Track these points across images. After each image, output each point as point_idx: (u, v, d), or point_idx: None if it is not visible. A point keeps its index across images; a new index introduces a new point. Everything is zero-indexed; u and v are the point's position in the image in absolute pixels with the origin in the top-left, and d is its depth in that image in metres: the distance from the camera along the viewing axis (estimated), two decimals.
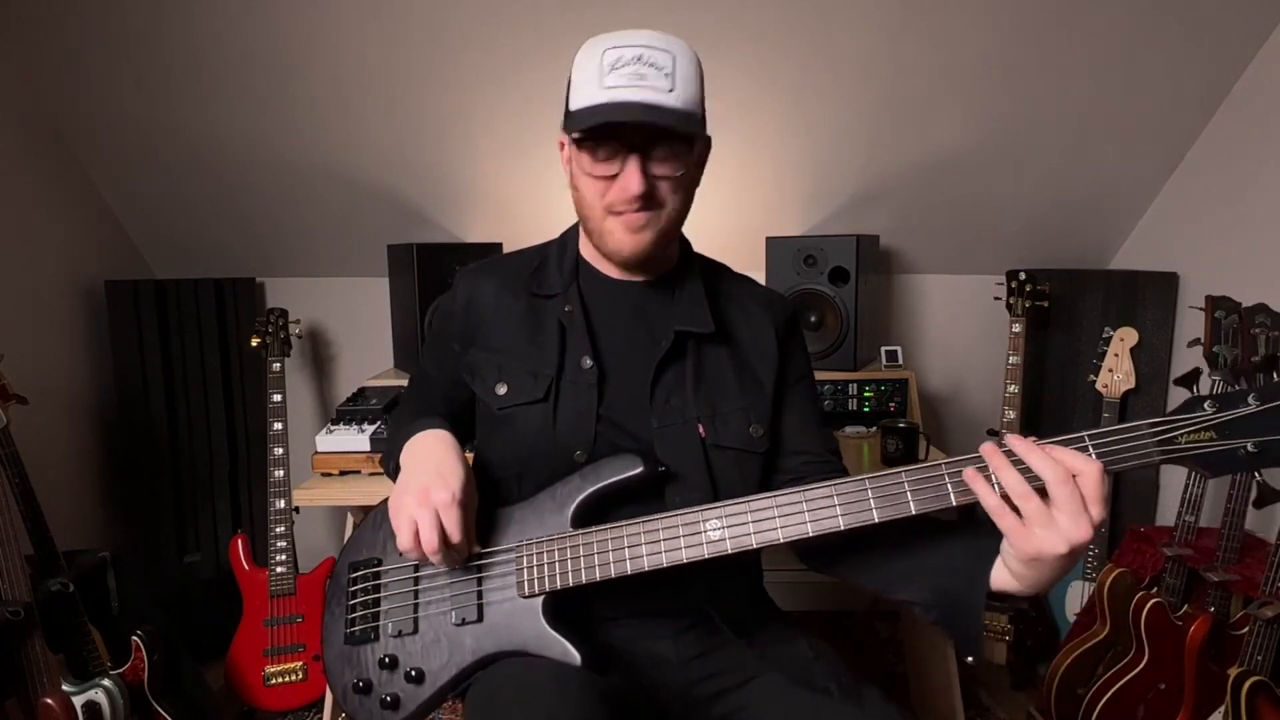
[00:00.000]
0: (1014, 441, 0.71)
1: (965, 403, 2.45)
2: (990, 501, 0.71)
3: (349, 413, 1.83)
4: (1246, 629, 1.37)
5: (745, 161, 2.10)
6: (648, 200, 0.88)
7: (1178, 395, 2.03)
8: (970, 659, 0.81)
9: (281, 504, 1.88)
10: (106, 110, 1.95)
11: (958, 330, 2.41)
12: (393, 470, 0.95)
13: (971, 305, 2.34)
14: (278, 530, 1.88)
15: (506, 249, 1.90)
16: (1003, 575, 0.76)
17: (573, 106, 0.87)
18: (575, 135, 0.87)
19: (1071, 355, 2.12)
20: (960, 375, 2.44)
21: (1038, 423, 2.20)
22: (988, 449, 0.72)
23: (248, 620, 1.89)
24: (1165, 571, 1.57)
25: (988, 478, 0.72)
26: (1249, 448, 0.67)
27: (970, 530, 0.81)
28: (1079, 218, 2.23)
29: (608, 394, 0.94)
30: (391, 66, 1.86)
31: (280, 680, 1.87)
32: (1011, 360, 2.00)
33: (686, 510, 0.83)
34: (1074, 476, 0.68)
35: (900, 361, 2.14)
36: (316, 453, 1.76)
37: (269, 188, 2.15)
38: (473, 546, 0.88)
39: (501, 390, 0.96)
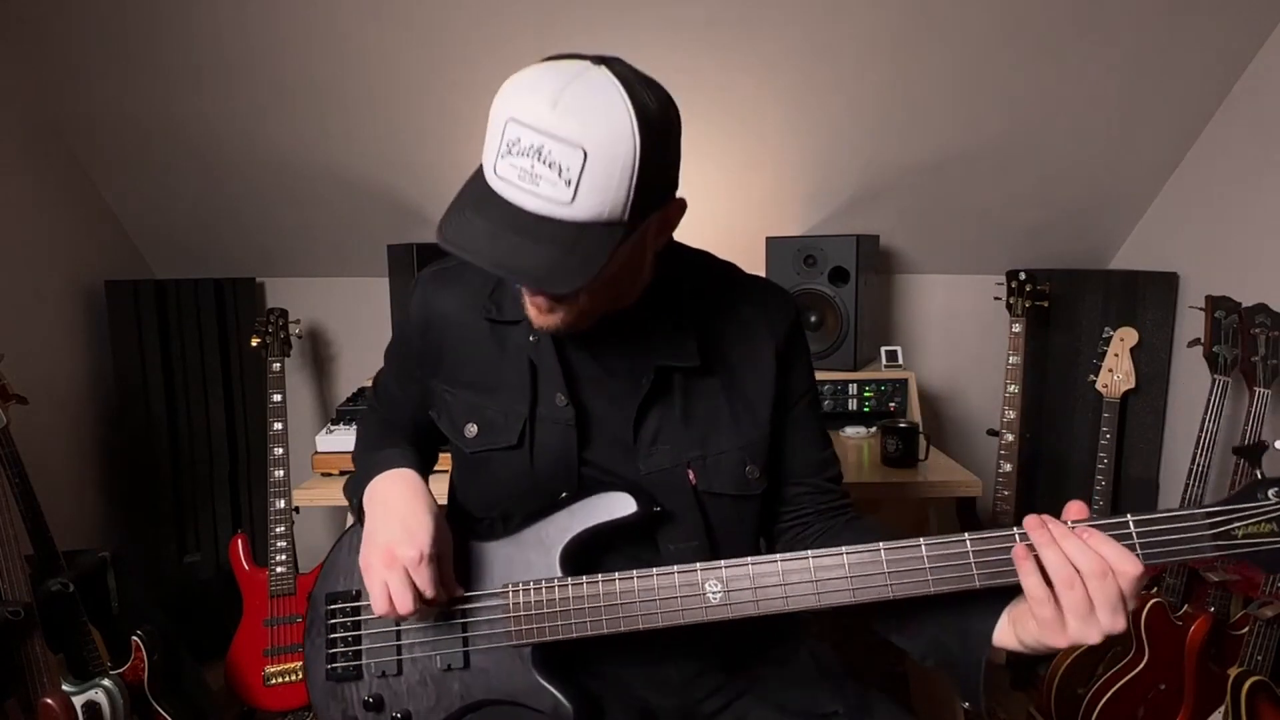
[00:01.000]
0: (1053, 527, 0.67)
1: (965, 403, 2.45)
2: (1036, 591, 0.66)
3: (349, 413, 1.83)
4: (1246, 629, 1.38)
5: (745, 161, 2.10)
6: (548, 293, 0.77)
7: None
8: (967, 705, 0.78)
9: (281, 504, 1.88)
10: (106, 110, 1.95)
11: (958, 330, 2.41)
12: (357, 510, 0.90)
13: (971, 305, 2.34)
14: (278, 530, 1.88)
15: None
16: (1007, 636, 0.72)
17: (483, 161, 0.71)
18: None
19: (1071, 355, 2.11)
20: (960, 375, 2.44)
21: (1038, 423, 2.20)
22: (1032, 523, 0.67)
23: (248, 620, 1.89)
24: (1165, 571, 1.57)
25: (1036, 558, 0.67)
26: None
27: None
28: (1079, 218, 2.23)
29: (587, 435, 0.86)
30: (392, 67, 1.86)
31: (280, 680, 1.87)
32: (1011, 360, 2.00)
33: (685, 568, 0.78)
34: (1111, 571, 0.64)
35: (900, 361, 2.14)
36: (316, 453, 1.76)
37: (269, 188, 2.15)
38: (454, 590, 0.84)
39: (471, 432, 0.89)
